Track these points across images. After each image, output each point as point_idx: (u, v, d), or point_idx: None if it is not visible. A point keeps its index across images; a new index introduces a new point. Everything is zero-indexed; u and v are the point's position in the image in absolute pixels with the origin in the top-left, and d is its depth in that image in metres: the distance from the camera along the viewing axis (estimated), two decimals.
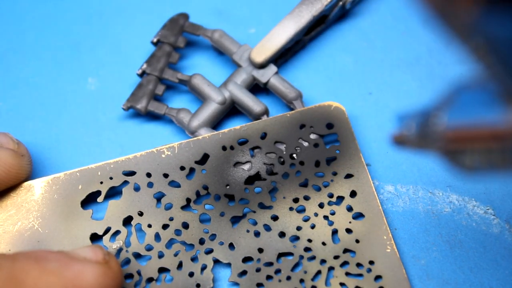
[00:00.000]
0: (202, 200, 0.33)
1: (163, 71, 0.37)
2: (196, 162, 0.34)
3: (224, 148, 0.34)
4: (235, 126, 0.36)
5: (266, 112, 0.36)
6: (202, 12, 0.41)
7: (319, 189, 0.34)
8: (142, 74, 0.37)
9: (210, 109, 0.36)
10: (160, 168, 0.34)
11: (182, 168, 0.34)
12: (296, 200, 0.33)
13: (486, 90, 0.20)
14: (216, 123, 0.36)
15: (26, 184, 0.33)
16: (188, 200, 0.33)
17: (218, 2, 0.41)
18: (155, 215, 0.33)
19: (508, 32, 0.17)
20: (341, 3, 0.39)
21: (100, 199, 0.33)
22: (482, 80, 0.20)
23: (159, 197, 0.33)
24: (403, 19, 0.40)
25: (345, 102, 0.38)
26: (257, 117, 0.36)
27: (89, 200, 0.34)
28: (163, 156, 0.34)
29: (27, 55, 0.39)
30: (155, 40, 0.38)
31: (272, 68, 0.37)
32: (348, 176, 0.34)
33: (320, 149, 0.34)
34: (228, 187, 0.33)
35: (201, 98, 0.37)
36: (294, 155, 0.34)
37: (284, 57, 0.38)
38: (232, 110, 0.37)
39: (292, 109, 0.37)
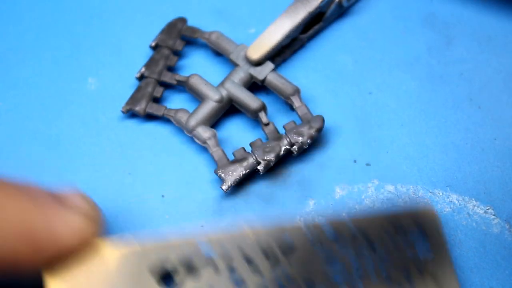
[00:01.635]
0: None
1: (161, 73, 0.37)
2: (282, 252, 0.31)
3: (311, 242, 0.31)
4: (234, 126, 0.36)
5: (263, 108, 0.36)
6: (201, 12, 0.41)
7: None
8: (141, 78, 0.37)
9: (208, 108, 0.36)
10: (242, 252, 0.31)
11: (266, 256, 0.31)
12: None
13: None
14: (214, 121, 0.36)
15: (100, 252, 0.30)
16: None
17: (217, 2, 0.41)
18: None
19: None
20: (337, 0, 0.39)
21: (178, 279, 0.30)
22: None
23: (239, 284, 0.31)
24: (402, 18, 0.40)
25: (345, 102, 0.38)
26: (254, 112, 0.36)
27: (166, 278, 0.31)
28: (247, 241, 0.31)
29: (27, 55, 0.39)
30: (153, 44, 0.38)
31: (269, 65, 0.37)
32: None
33: (412, 256, 0.32)
34: (313, 283, 0.31)
35: (198, 97, 0.37)
36: None
37: (282, 55, 0.38)
38: (230, 109, 0.37)
39: (290, 106, 0.37)
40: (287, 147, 0.35)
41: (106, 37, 0.40)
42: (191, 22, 0.40)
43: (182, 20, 0.39)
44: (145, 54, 0.39)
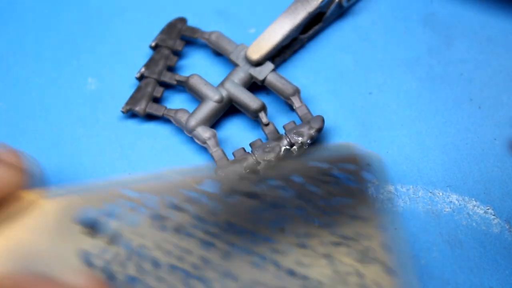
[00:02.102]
0: (208, 225, 0.31)
1: (161, 73, 0.38)
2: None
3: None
4: (234, 126, 0.36)
5: (263, 108, 0.36)
6: (202, 13, 0.41)
7: (331, 229, 0.32)
8: (141, 78, 0.37)
9: (208, 108, 0.36)
10: (168, 194, 0.32)
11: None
12: (306, 237, 0.31)
13: None
14: (213, 122, 0.36)
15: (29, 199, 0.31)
16: (193, 225, 0.31)
17: (218, 3, 0.41)
18: (156, 238, 0.31)
19: None
20: (337, 0, 0.39)
21: (101, 220, 0.31)
22: None
23: (163, 221, 0.32)
24: (403, 18, 0.40)
25: (345, 102, 0.38)
26: (254, 113, 0.36)
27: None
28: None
29: (27, 55, 0.39)
30: (153, 44, 0.38)
31: (269, 66, 0.37)
32: (363, 219, 0.32)
33: (339, 188, 0.32)
34: (237, 216, 0.32)
35: (198, 97, 0.37)
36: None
37: (282, 55, 0.38)
38: (230, 109, 0.37)
39: (290, 106, 0.37)
40: (287, 147, 0.35)
41: (106, 37, 0.40)
42: (191, 22, 0.40)
43: (182, 20, 0.39)
44: (145, 54, 0.39)
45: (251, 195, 0.32)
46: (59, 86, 0.39)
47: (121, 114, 0.38)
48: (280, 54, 0.38)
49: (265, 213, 0.32)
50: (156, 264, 0.31)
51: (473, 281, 0.33)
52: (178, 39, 0.39)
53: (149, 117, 0.37)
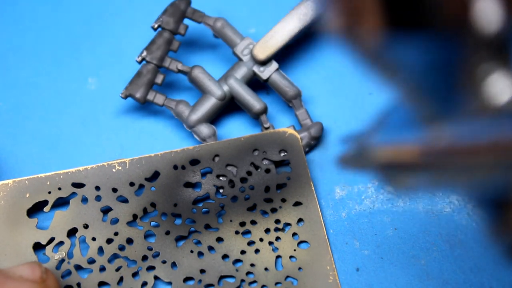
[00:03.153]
0: (148, 217, 0.33)
1: (163, 59, 0.36)
2: (146, 179, 0.34)
3: (175, 167, 0.34)
4: (233, 124, 0.36)
5: (265, 110, 0.36)
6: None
7: (266, 215, 0.33)
8: (141, 62, 0.36)
9: (209, 104, 0.36)
10: (109, 183, 0.33)
11: (132, 184, 0.33)
12: (242, 224, 0.33)
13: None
14: (214, 118, 0.36)
15: None
16: (135, 216, 0.33)
17: (217, 2, 0.41)
18: (100, 229, 0.33)
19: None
20: None
21: (46, 208, 0.33)
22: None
23: (106, 211, 0.33)
24: None
25: (345, 102, 0.38)
26: (256, 114, 0.36)
27: (36, 209, 0.33)
28: (113, 170, 0.34)
29: (27, 55, 0.39)
30: (156, 25, 0.37)
31: (274, 65, 0.37)
32: (297, 204, 0.34)
33: (271, 175, 0.34)
34: (176, 206, 0.33)
35: (200, 90, 0.36)
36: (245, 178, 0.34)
37: (283, 55, 0.38)
38: (231, 105, 0.37)
39: (291, 108, 0.37)
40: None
41: (106, 37, 0.40)
42: (191, 23, 0.40)
43: (187, 1, 0.37)
44: None
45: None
46: (59, 86, 0.38)
47: (121, 114, 0.38)
48: (282, 54, 0.38)
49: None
50: (100, 251, 0.33)
51: (473, 281, 0.33)
52: (181, 22, 0.37)
53: (149, 114, 0.37)
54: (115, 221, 0.33)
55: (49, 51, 0.40)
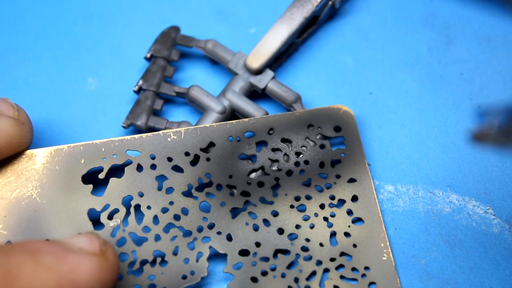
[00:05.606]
0: (204, 188, 0.33)
1: (159, 85, 0.37)
2: (202, 150, 0.34)
3: (230, 139, 0.34)
4: None
5: None
6: (201, 13, 0.41)
7: (321, 190, 0.34)
8: (138, 91, 0.37)
9: (211, 120, 0.36)
10: (164, 151, 0.33)
11: (187, 154, 0.34)
12: (297, 199, 0.33)
13: None
14: None
15: (28, 152, 0.33)
16: (190, 186, 0.33)
17: (217, 2, 0.41)
18: (156, 198, 0.33)
19: None
20: (330, 2, 0.39)
21: (101, 175, 0.33)
22: None
23: (161, 180, 0.33)
24: (403, 18, 0.40)
25: (345, 102, 0.38)
26: None
27: (91, 176, 0.33)
28: (169, 139, 0.34)
29: (27, 55, 0.39)
30: (148, 55, 0.37)
31: (269, 73, 0.37)
32: (351, 180, 0.34)
33: (325, 150, 0.34)
34: (231, 178, 0.33)
35: (200, 109, 0.36)
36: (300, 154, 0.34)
37: (278, 61, 0.38)
38: (233, 118, 0.37)
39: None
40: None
41: (106, 37, 0.40)
42: (191, 23, 0.40)
43: (175, 28, 0.38)
44: (145, 54, 0.39)
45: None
46: (59, 86, 0.38)
47: (121, 114, 0.38)
48: (277, 60, 0.38)
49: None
50: (155, 220, 0.33)
51: (473, 281, 0.33)
52: (173, 48, 0.38)
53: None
54: (170, 190, 0.33)
55: (49, 51, 0.40)
